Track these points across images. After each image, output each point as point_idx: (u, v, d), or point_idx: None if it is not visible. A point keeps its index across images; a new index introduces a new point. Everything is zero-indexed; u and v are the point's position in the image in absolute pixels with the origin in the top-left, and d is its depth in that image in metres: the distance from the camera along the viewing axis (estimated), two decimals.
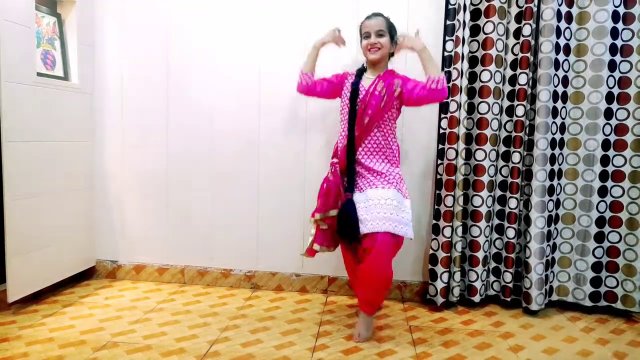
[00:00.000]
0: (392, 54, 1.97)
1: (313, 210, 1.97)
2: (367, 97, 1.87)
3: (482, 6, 2.14)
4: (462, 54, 2.10)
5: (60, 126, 2.22)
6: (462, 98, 2.13)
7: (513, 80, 2.18)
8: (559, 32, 2.09)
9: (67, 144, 2.27)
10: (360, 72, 1.97)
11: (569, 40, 2.15)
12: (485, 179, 2.17)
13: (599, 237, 2.18)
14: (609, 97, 2.14)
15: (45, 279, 2.16)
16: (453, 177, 2.16)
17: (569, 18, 2.13)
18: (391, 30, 1.91)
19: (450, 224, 2.17)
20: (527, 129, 2.17)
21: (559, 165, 2.20)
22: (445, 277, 2.17)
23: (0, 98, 1.88)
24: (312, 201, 2.37)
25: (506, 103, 2.20)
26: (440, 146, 2.21)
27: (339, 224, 1.86)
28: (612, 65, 2.12)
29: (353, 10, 2.26)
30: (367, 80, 1.93)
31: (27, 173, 2.02)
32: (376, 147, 1.89)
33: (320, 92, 2.01)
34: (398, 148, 1.96)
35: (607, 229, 2.18)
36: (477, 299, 2.22)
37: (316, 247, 1.94)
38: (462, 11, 2.09)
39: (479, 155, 2.18)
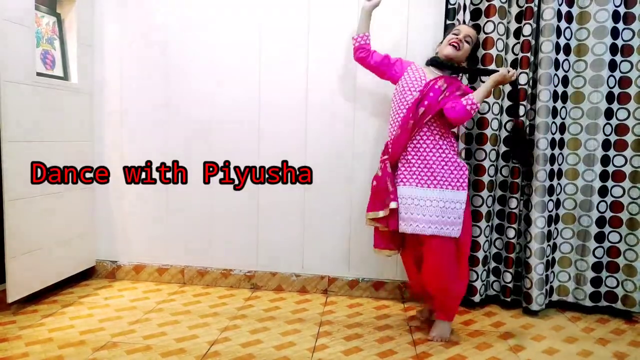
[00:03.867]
0: (459, 70, 1.93)
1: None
2: (426, 88, 1.84)
3: (483, 6, 2.14)
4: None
5: (60, 126, 2.21)
6: None
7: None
8: (559, 32, 2.09)
9: (67, 143, 2.27)
10: (434, 63, 1.92)
11: (569, 40, 2.15)
12: (485, 178, 2.17)
13: (600, 237, 2.18)
14: (610, 97, 2.13)
15: (45, 279, 2.16)
16: None
17: (569, 18, 2.13)
18: (475, 47, 1.95)
19: None
20: (528, 129, 2.16)
21: (559, 165, 2.20)
22: None
23: (0, 98, 1.87)
24: (313, 201, 2.38)
25: (507, 103, 2.20)
26: None
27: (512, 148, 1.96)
28: (613, 65, 2.11)
29: (354, 7, 2.26)
30: (431, 74, 1.92)
31: (27, 173, 2.02)
32: (436, 136, 1.84)
33: (373, 65, 2.00)
34: (455, 142, 1.91)
35: (607, 229, 2.18)
36: (477, 299, 2.22)
37: (376, 250, 1.94)
38: (462, 11, 2.09)
39: (480, 155, 2.18)
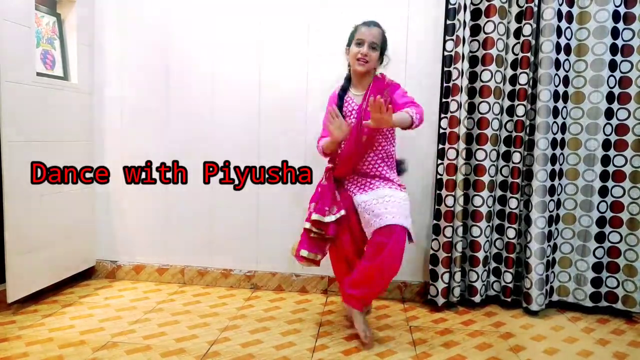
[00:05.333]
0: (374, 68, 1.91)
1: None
2: (362, 114, 1.83)
3: (483, 6, 2.13)
4: (463, 53, 2.10)
5: (59, 126, 2.22)
6: (463, 98, 2.13)
7: (513, 80, 2.18)
8: (559, 32, 2.08)
9: (67, 143, 2.27)
10: (345, 89, 1.93)
11: (569, 40, 2.14)
12: (485, 179, 2.17)
13: (600, 238, 2.18)
14: (610, 97, 2.13)
15: (45, 279, 2.16)
16: (454, 177, 2.16)
17: (569, 18, 2.12)
18: (383, 45, 1.87)
19: (451, 224, 2.16)
20: (528, 129, 2.16)
21: (560, 165, 2.20)
22: (446, 277, 2.17)
23: (0, 98, 1.87)
24: None
25: (507, 103, 2.20)
26: (441, 146, 2.20)
27: None
28: (613, 65, 2.11)
29: (354, 8, 2.25)
30: (357, 97, 1.90)
31: (27, 173, 2.02)
32: (377, 160, 1.90)
33: None
34: (394, 154, 1.97)
35: (607, 229, 2.18)
36: (477, 299, 2.21)
37: (304, 252, 1.88)
38: (462, 11, 2.09)
39: (480, 155, 2.18)
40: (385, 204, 1.80)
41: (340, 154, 1.91)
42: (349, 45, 1.90)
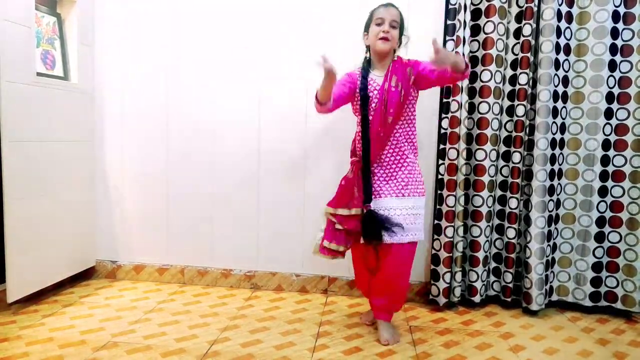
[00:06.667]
0: (394, 50, 1.87)
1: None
2: (385, 95, 1.78)
3: (483, 6, 2.14)
4: (463, 53, 2.10)
5: (60, 126, 2.22)
6: (463, 98, 2.13)
7: (513, 80, 2.18)
8: (559, 32, 2.09)
9: (67, 143, 2.27)
10: (366, 70, 1.85)
11: (569, 40, 2.15)
12: (485, 179, 2.17)
13: (599, 237, 2.18)
14: (609, 97, 2.14)
15: (45, 279, 2.16)
16: (454, 177, 2.16)
17: (569, 18, 2.13)
18: (402, 25, 1.84)
19: (452, 224, 2.16)
20: (528, 129, 2.17)
21: (559, 165, 2.20)
22: (447, 277, 2.17)
23: (0, 98, 1.87)
24: (313, 202, 2.38)
25: (506, 103, 2.20)
26: (442, 146, 2.21)
27: (364, 229, 1.81)
28: (613, 65, 2.12)
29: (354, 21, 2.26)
30: (379, 78, 1.84)
31: (27, 173, 2.02)
32: (400, 144, 1.83)
33: (338, 106, 1.84)
34: (417, 144, 1.90)
35: (607, 229, 2.18)
36: (477, 299, 2.22)
37: (325, 243, 1.85)
38: (462, 11, 2.09)
39: (480, 155, 2.18)
40: (399, 218, 1.80)
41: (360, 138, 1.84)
42: (366, 30, 1.86)
